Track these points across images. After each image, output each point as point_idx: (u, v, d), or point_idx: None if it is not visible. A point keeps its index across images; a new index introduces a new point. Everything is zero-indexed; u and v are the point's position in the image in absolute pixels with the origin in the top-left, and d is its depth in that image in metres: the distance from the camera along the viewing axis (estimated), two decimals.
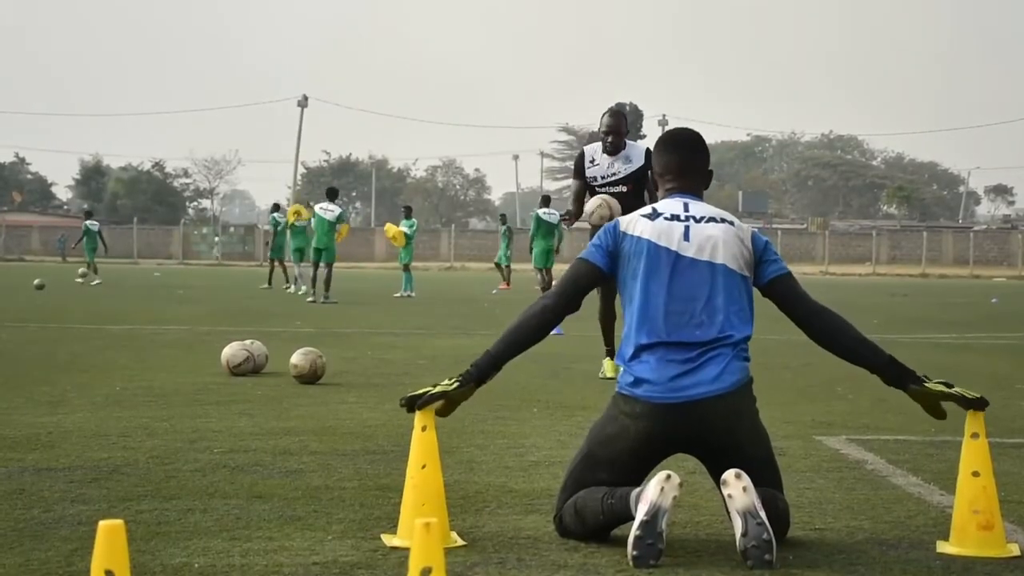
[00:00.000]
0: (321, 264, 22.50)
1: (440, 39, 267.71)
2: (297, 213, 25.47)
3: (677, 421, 4.12)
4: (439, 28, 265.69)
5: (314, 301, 21.93)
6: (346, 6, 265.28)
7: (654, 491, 3.89)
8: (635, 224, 4.35)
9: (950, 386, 4.28)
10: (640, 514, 3.87)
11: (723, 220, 4.37)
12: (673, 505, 3.92)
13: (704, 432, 4.13)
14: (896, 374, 4.31)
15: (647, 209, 4.43)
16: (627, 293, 4.33)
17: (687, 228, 4.31)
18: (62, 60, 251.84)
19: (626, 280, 4.33)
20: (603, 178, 9.41)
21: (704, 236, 4.30)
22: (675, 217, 4.34)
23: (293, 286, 27.69)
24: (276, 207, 31.26)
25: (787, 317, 4.45)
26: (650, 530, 3.84)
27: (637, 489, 4.01)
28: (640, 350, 4.21)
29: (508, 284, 32.36)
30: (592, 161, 9.47)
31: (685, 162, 4.50)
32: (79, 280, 30.86)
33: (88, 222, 33.60)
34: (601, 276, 4.40)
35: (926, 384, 4.27)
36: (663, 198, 4.49)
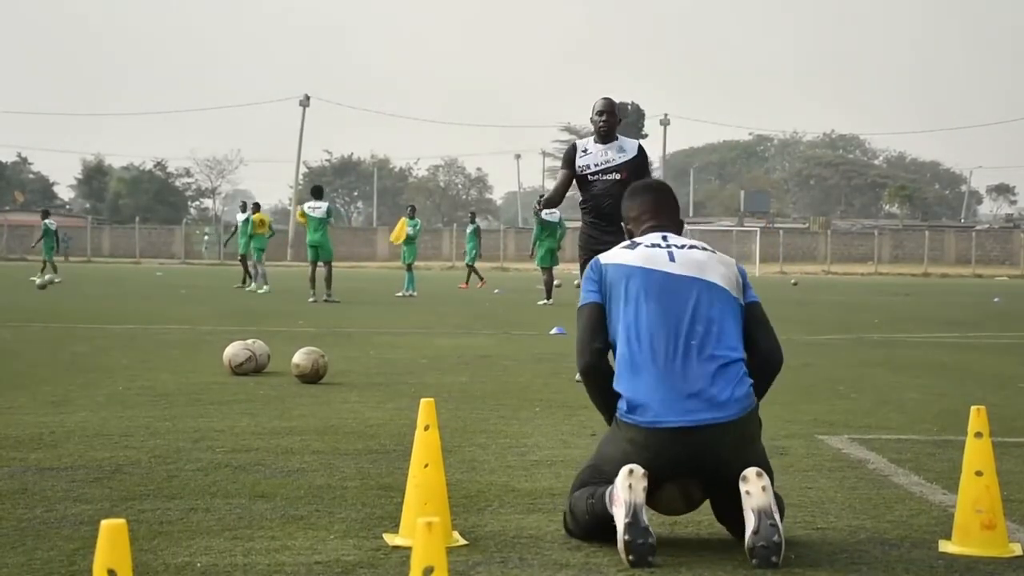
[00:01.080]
0: (319, 263, 22.44)
1: (442, 38, 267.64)
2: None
3: (680, 447, 4.02)
4: (440, 27, 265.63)
5: (315, 301, 21.88)
6: (347, 5, 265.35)
7: (623, 490, 3.87)
8: (615, 255, 4.37)
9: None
10: (620, 518, 3.85)
11: (704, 249, 4.40)
12: (646, 495, 3.90)
13: (712, 461, 4.04)
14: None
15: (626, 243, 4.44)
16: (615, 320, 4.26)
17: (670, 252, 4.33)
18: (64, 60, 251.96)
19: (612, 308, 4.28)
20: (596, 166, 9.30)
21: (689, 258, 4.31)
22: (656, 245, 4.36)
23: (253, 284, 27.75)
24: (244, 206, 31.12)
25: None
26: (636, 530, 3.83)
27: (608, 488, 4.01)
28: (635, 374, 4.14)
29: (467, 284, 32.29)
30: (585, 151, 9.38)
31: (660, 200, 4.55)
32: (36, 281, 28.76)
33: (47, 221, 33.62)
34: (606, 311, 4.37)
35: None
36: (639, 235, 4.49)
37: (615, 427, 4.21)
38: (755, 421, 4.15)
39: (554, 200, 9.65)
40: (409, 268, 27.03)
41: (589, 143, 9.41)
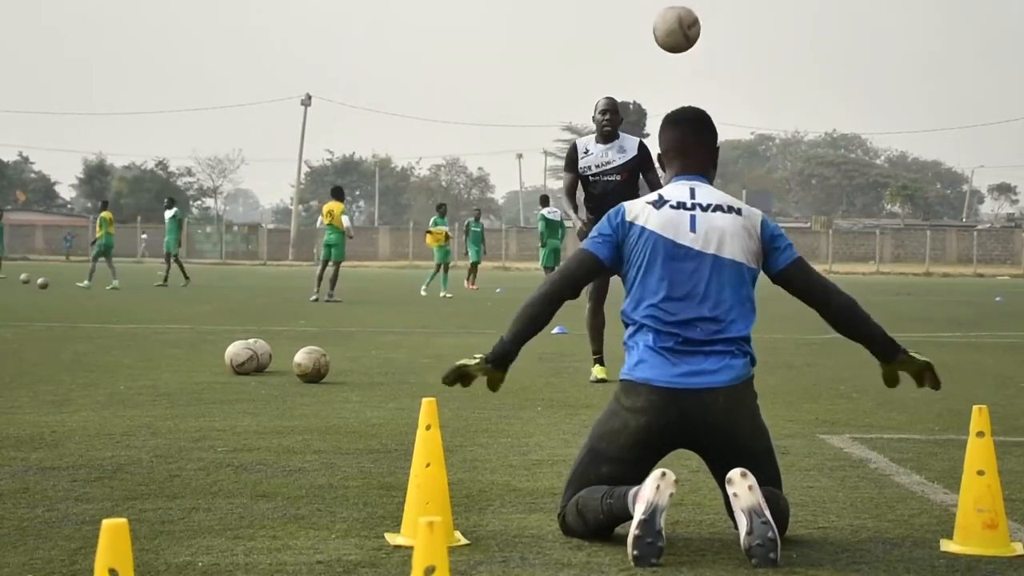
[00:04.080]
0: (330, 263, 22.53)
1: (443, 38, 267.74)
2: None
3: (677, 411, 4.10)
4: (442, 27, 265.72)
5: (316, 299, 21.93)
6: (349, 4, 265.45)
7: (650, 490, 3.88)
8: (641, 214, 4.30)
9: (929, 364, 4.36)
10: (638, 513, 3.87)
11: (731, 209, 4.31)
12: (670, 502, 3.92)
13: (704, 425, 4.12)
14: (888, 348, 4.37)
15: (653, 196, 4.37)
16: (629, 284, 4.32)
17: (693, 218, 4.26)
18: (65, 59, 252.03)
19: (629, 272, 4.31)
20: (597, 167, 9.32)
21: (711, 227, 4.25)
22: (681, 205, 4.29)
23: (88, 280, 27.56)
24: (172, 202, 30.66)
25: (802, 302, 4.47)
26: (649, 529, 3.83)
27: (634, 488, 4.01)
28: (642, 341, 4.21)
29: (474, 284, 31.20)
30: (586, 151, 9.39)
31: (691, 138, 4.43)
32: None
33: None
34: (601, 267, 4.36)
35: (911, 354, 4.36)
36: (670, 180, 4.44)
37: (614, 398, 4.27)
38: (749, 392, 4.21)
39: (575, 205, 9.52)
40: (442, 268, 26.89)
41: (590, 143, 9.40)
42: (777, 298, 4.53)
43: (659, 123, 4.56)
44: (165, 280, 29.14)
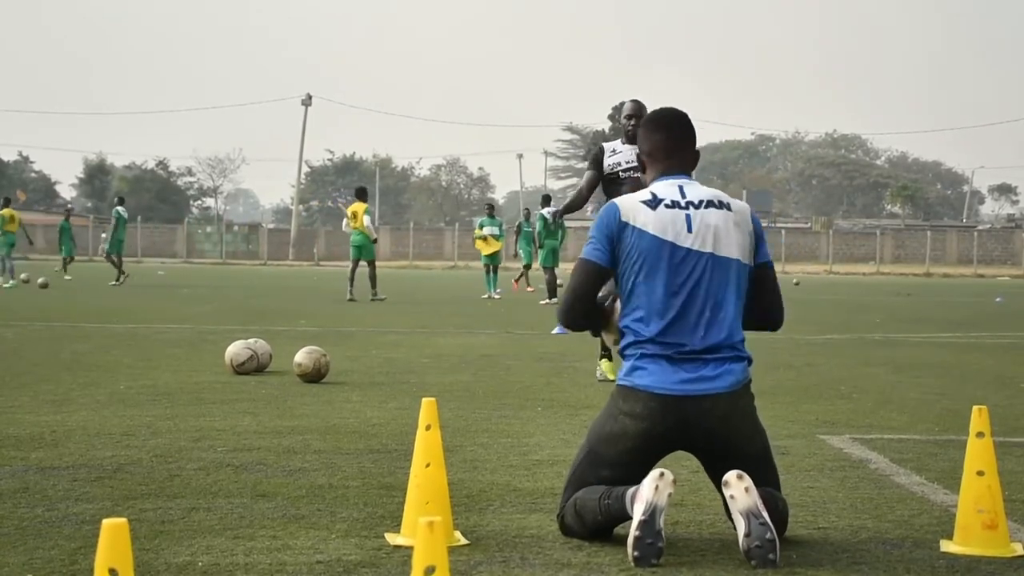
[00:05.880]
0: (362, 262, 22.65)
1: (444, 38, 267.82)
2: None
3: (676, 417, 4.09)
4: (443, 27, 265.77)
5: (352, 299, 22.04)
6: (350, 5, 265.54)
7: (649, 490, 3.88)
8: (636, 214, 4.27)
9: None
10: (637, 514, 3.87)
11: (721, 204, 4.30)
12: (669, 502, 3.91)
13: (703, 430, 4.11)
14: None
15: (646, 194, 4.32)
16: (627, 287, 4.29)
17: (688, 217, 4.24)
18: (65, 59, 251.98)
19: (627, 274, 4.28)
20: (627, 163, 9.43)
21: (706, 225, 4.23)
22: (675, 204, 4.27)
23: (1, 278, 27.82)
24: (121, 200, 30.12)
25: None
26: (649, 529, 3.83)
27: (632, 488, 4.01)
28: (640, 345, 4.20)
29: (531, 287, 29.65)
30: (613, 152, 9.51)
31: (674, 140, 4.43)
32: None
33: None
34: (605, 274, 4.33)
35: None
36: (653, 180, 4.41)
37: (612, 401, 4.25)
38: (747, 396, 4.20)
39: (577, 204, 9.78)
40: (492, 269, 26.37)
41: (617, 144, 9.53)
42: None
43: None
44: (121, 277, 28.64)
